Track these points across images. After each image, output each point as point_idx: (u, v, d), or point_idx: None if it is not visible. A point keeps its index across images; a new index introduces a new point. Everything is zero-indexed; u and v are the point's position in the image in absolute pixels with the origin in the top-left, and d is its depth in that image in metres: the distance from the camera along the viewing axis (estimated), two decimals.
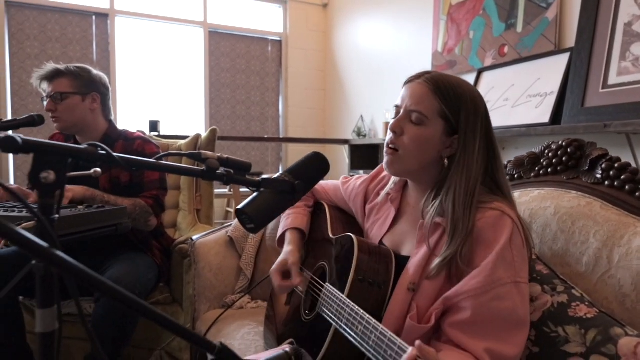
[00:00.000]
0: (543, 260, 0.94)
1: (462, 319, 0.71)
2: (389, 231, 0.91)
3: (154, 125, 3.10)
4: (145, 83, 3.96)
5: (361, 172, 3.27)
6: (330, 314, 0.80)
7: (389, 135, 0.84)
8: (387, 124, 3.36)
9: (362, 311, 0.72)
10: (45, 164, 0.56)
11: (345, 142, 3.74)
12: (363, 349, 0.70)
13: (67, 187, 1.39)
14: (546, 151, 1.12)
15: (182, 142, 2.29)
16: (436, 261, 0.76)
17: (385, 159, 0.86)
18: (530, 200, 1.07)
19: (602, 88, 1.85)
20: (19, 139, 0.54)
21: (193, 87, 4.15)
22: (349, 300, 0.76)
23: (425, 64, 3.11)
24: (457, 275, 0.75)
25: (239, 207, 0.72)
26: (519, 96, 2.30)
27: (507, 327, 0.71)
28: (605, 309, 0.83)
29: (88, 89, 1.58)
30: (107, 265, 1.51)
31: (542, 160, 1.13)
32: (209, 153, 0.68)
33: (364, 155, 3.60)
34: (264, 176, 0.74)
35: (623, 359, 0.72)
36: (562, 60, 2.11)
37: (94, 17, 3.74)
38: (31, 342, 1.51)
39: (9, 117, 3.48)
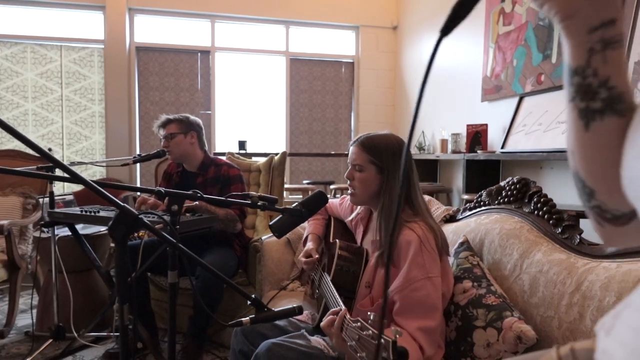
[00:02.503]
0: (482, 266, 1.34)
1: (396, 309, 1.14)
2: (363, 239, 1.38)
3: (242, 145, 3.81)
4: (237, 106, 4.75)
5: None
6: (324, 292, 1.30)
7: (348, 181, 1.31)
8: (443, 140, 3.70)
9: (334, 290, 1.20)
10: (172, 201, 1.16)
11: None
12: (329, 307, 1.18)
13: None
14: (506, 185, 1.49)
15: (261, 161, 2.92)
16: (376, 264, 1.22)
17: (349, 195, 1.34)
18: (488, 221, 1.46)
19: None
20: (162, 190, 1.14)
21: (276, 108, 4.85)
22: (332, 283, 1.25)
23: (476, 87, 3.40)
24: (395, 274, 1.19)
25: (270, 223, 1.25)
26: (550, 122, 2.54)
27: (426, 308, 1.13)
28: (511, 300, 1.21)
29: (188, 129, 2.26)
30: (202, 255, 2.16)
31: (503, 192, 1.50)
32: (253, 194, 1.23)
33: (424, 169, 3.96)
34: (293, 206, 1.24)
35: (503, 331, 1.12)
36: None
37: (199, 54, 4.61)
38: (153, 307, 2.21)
39: (138, 137, 4.48)
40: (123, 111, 4.36)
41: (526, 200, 1.39)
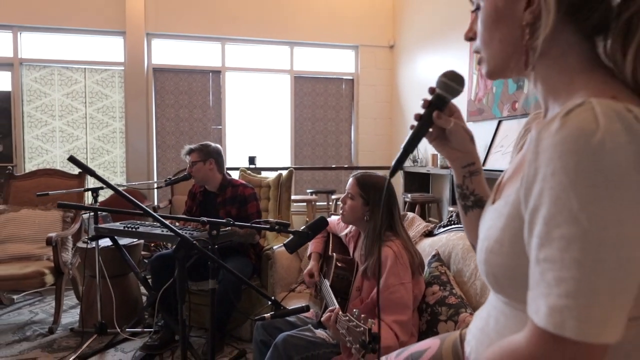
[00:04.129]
0: (448, 273, 1.72)
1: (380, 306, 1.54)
2: (354, 253, 1.77)
3: (252, 160, 4.20)
4: (246, 121, 5.15)
5: (409, 196, 4.03)
6: (323, 295, 1.69)
7: (341, 204, 1.70)
8: (434, 155, 4.08)
9: (331, 293, 1.59)
10: (212, 227, 1.55)
11: (401, 168, 4.51)
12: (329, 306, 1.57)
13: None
14: None
15: (271, 177, 3.31)
16: (364, 273, 1.61)
17: (340, 214, 1.73)
18: (455, 238, 1.84)
19: None
20: (205, 220, 1.53)
21: (282, 122, 5.25)
22: (330, 287, 1.63)
23: (462, 108, 3.78)
24: (375, 284, 1.58)
25: (284, 243, 1.64)
26: None
27: (400, 306, 1.51)
28: (467, 301, 1.60)
29: (206, 157, 2.64)
30: (229, 258, 2.55)
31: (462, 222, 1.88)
32: (271, 220, 1.62)
33: (416, 181, 4.35)
34: (302, 228, 1.63)
35: (459, 323, 1.50)
36: None
37: (210, 74, 5.01)
38: None
39: (155, 150, 4.89)
40: (142, 127, 4.77)
41: None
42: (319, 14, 5.07)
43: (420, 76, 4.77)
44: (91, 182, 4.20)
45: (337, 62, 5.37)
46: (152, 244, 3.33)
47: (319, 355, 1.52)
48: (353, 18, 5.17)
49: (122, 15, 4.55)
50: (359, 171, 1.74)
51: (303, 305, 1.55)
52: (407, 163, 4.57)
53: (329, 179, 5.39)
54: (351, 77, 5.39)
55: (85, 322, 2.78)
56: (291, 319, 1.78)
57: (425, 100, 0.80)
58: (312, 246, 2.02)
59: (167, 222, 1.36)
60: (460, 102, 3.81)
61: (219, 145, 2.74)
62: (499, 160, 3.13)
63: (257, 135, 5.18)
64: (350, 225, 1.83)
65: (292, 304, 2.25)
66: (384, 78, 5.40)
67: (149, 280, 2.56)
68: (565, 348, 0.48)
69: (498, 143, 3.22)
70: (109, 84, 4.78)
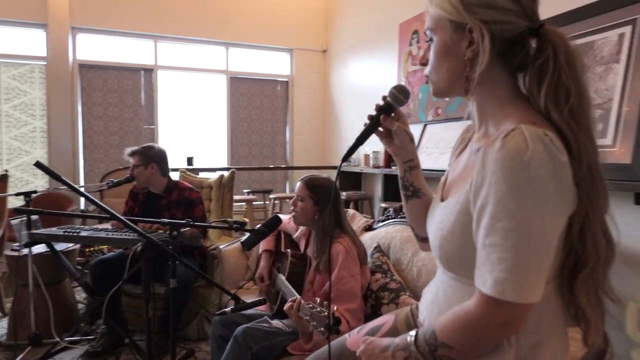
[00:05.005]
0: (388, 262, 1.94)
1: (332, 297, 1.70)
2: (306, 250, 1.93)
3: (190, 160, 4.18)
4: (181, 121, 5.08)
5: (344, 194, 4.26)
6: (280, 288, 1.82)
7: (292, 206, 1.85)
8: (366, 155, 4.36)
9: (289, 286, 1.73)
10: (173, 228, 1.61)
11: (334, 167, 4.75)
12: (285, 298, 1.70)
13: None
14: None
15: (212, 178, 3.35)
16: (316, 268, 1.77)
17: (292, 215, 1.88)
18: (393, 231, 2.07)
19: None
20: (166, 221, 1.59)
21: (218, 122, 5.24)
22: (286, 281, 1.77)
23: None
24: (327, 277, 1.75)
25: (242, 241, 1.75)
26: (444, 146, 3.27)
27: (350, 296, 1.68)
28: (406, 285, 1.82)
29: (148, 161, 2.62)
30: (168, 264, 2.56)
31: (402, 210, 2.12)
32: (229, 219, 1.72)
33: (350, 180, 4.60)
34: (257, 227, 1.74)
35: (399, 305, 1.72)
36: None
37: (142, 72, 4.87)
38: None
39: (81, 150, 4.64)
40: (66, 126, 4.50)
41: None
42: (255, 16, 5.14)
43: (351, 80, 5.04)
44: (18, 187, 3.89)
45: (273, 64, 5.48)
46: (87, 250, 3.21)
47: (276, 344, 1.65)
48: (288, 22, 5.31)
49: (43, 7, 4.27)
50: (306, 175, 1.89)
51: (260, 298, 1.67)
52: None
53: (266, 178, 5.48)
54: (286, 80, 5.53)
55: (16, 335, 2.63)
56: (247, 312, 1.89)
57: (377, 105, 0.97)
58: (263, 244, 2.13)
59: (129, 224, 1.41)
60: None
61: (163, 148, 2.73)
62: (425, 160, 3.46)
63: (193, 136, 5.13)
64: (300, 228, 1.98)
65: (243, 299, 2.35)
66: (318, 81, 5.61)
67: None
68: (505, 309, 0.68)
69: (424, 144, 3.55)
70: (27, 80, 4.45)
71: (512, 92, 0.81)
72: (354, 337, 1.13)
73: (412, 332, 0.85)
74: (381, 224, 2.25)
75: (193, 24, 4.90)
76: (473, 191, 0.73)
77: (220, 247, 2.65)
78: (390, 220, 2.19)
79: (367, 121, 0.99)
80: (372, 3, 4.56)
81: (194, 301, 2.67)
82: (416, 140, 3.66)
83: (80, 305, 2.99)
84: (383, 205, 3.53)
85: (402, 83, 3.92)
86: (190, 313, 2.67)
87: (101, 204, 1.32)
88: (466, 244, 0.77)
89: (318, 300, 1.41)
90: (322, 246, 1.74)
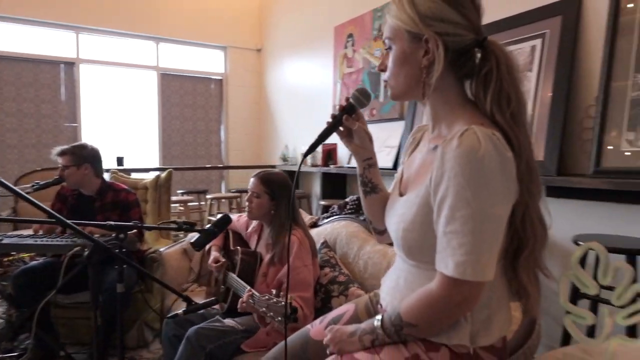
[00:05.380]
0: (335, 257, 2.02)
1: (284, 287, 1.75)
2: (258, 245, 1.95)
3: (120, 160, 3.96)
4: (108, 119, 4.78)
5: None
6: (231, 285, 1.82)
7: (247, 202, 1.87)
8: (302, 154, 4.43)
9: (242, 281, 1.74)
10: (120, 231, 1.55)
11: (272, 166, 4.77)
12: (240, 295, 1.72)
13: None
14: (350, 201, 2.21)
15: (147, 180, 3.21)
16: (270, 260, 1.81)
17: (246, 211, 1.89)
18: (339, 226, 2.15)
19: None
20: (112, 224, 1.52)
21: (148, 121, 5.01)
22: (238, 277, 1.78)
23: (329, 111, 4.21)
24: (280, 268, 1.79)
25: (191, 241, 1.72)
26: (379, 146, 3.44)
27: (304, 285, 1.74)
28: (353, 277, 1.91)
29: (81, 162, 2.46)
30: (106, 271, 2.43)
31: (347, 205, 2.22)
32: (178, 220, 1.69)
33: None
34: (204, 227, 1.73)
35: (349, 296, 1.80)
36: (401, 125, 3.26)
37: (62, 65, 4.51)
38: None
39: None
40: None
41: (361, 212, 2.12)
42: (187, 11, 4.98)
43: (287, 80, 5.08)
44: None
45: (206, 61, 5.35)
46: (6, 259, 2.92)
47: (230, 342, 1.66)
48: (222, 19, 5.22)
49: None
50: (259, 171, 1.91)
51: (212, 299, 1.66)
52: (279, 162, 4.85)
53: (200, 178, 5.35)
54: (220, 78, 5.43)
55: None
56: (199, 312, 1.86)
57: (340, 106, 1.04)
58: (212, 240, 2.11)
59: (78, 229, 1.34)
60: (327, 104, 4.24)
61: (96, 147, 2.58)
62: None
63: (121, 135, 4.85)
64: (252, 222, 1.99)
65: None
66: (253, 80, 5.57)
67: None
68: (464, 288, 0.77)
69: None
70: None
71: (461, 97, 0.92)
72: (317, 328, 1.18)
73: (379, 317, 0.93)
74: (326, 220, 2.32)
75: (119, 16, 4.64)
76: (433, 185, 0.82)
77: (161, 250, 2.56)
78: (335, 217, 2.27)
79: (330, 120, 1.04)
80: (307, 5, 4.64)
81: (132, 307, 2.55)
82: None
83: None
84: (322, 203, 3.62)
85: (338, 84, 4.05)
86: (129, 320, 2.55)
87: (44, 206, 1.24)
88: (427, 233, 0.85)
89: (274, 291, 1.45)
90: (278, 239, 1.77)
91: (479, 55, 0.89)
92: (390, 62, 0.94)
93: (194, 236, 2.70)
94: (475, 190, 0.76)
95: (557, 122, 2.20)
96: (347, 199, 2.24)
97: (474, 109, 0.89)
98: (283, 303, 1.36)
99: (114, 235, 1.57)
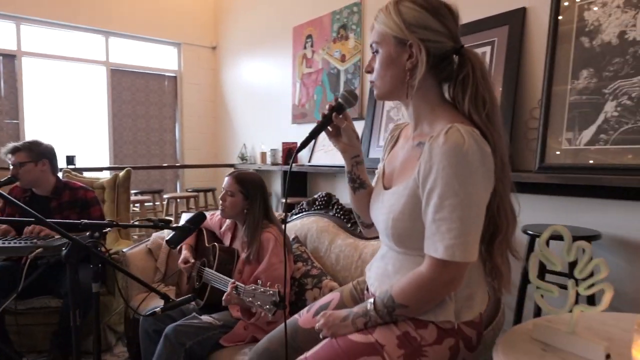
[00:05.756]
0: (307, 251, 2.09)
1: (261, 283, 1.78)
2: (233, 242, 1.98)
3: (70, 160, 3.77)
4: (53, 117, 4.52)
5: None
6: (207, 280, 1.83)
7: (221, 201, 1.89)
8: (263, 153, 4.45)
9: (222, 275, 1.76)
10: (95, 230, 1.52)
11: (231, 165, 4.75)
12: (222, 288, 1.74)
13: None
14: (318, 197, 2.29)
15: (103, 179, 3.10)
16: (246, 257, 1.84)
17: (220, 210, 1.91)
18: (309, 222, 2.22)
19: (377, 146, 3.16)
20: (86, 222, 1.49)
21: (97, 118, 4.79)
22: (217, 272, 1.80)
23: (288, 111, 4.26)
24: (257, 266, 1.83)
25: (167, 239, 1.71)
26: None
27: (280, 280, 1.79)
28: (326, 270, 1.99)
29: (39, 157, 2.36)
30: (66, 273, 2.34)
31: (316, 202, 2.29)
32: (153, 218, 1.67)
33: None
34: (179, 224, 1.73)
35: (322, 288, 1.88)
36: (361, 124, 3.39)
37: (0, 58, 4.21)
38: None
39: None
40: None
41: (330, 207, 2.20)
42: (138, 5, 4.82)
43: (244, 79, 5.06)
44: None
45: (159, 58, 5.20)
46: None
47: (208, 338, 1.68)
48: (175, 15, 5.10)
49: None
50: (233, 170, 1.93)
51: (189, 295, 1.67)
52: (237, 161, 4.83)
53: (153, 178, 5.20)
54: (174, 75, 5.30)
55: None
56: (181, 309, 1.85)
57: (329, 105, 1.10)
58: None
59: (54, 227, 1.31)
60: (286, 104, 4.29)
61: (50, 144, 2.47)
62: (322, 157, 3.70)
63: (69, 132, 4.60)
64: (226, 221, 2.01)
65: (156, 302, 2.26)
66: (208, 78, 5.49)
67: None
68: (452, 268, 0.87)
69: (320, 143, 3.79)
70: None
71: (440, 98, 1.02)
72: (305, 317, 1.24)
73: (371, 300, 1.01)
74: (295, 217, 2.38)
75: (65, 7, 4.40)
76: (421, 178, 0.91)
77: (124, 250, 2.50)
78: (304, 213, 2.34)
79: (320, 118, 1.10)
80: (264, 4, 4.66)
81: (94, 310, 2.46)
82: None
83: None
84: (283, 201, 3.67)
85: (297, 84, 4.11)
86: (90, 323, 2.45)
87: (22, 205, 1.20)
88: (415, 222, 0.94)
89: (260, 281, 1.50)
90: (253, 237, 1.81)
91: (456, 61, 0.99)
92: (377, 65, 1.03)
93: (156, 236, 2.66)
94: (461, 181, 0.86)
95: (505, 123, 2.41)
96: (315, 196, 2.31)
97: (452, 109, 1.00)
98: (271, 292, 1.40)
99: (87, 234, 1.54)
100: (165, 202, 4.35)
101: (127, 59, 4.95)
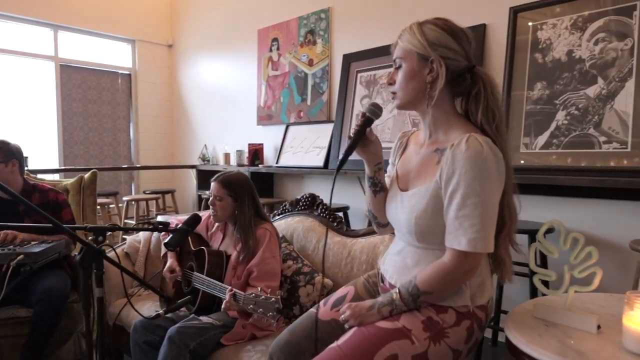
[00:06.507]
0: (295, 250, 2.17)
1: (254, 276, 1.83)
2: (222, 242, 2.01)
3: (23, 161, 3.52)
4: None
5: (207, 192, 4.26)
6: (199, 285, 1.85)
7: (211, 206, 1.92)
8: (226, 154, 4.44)
9: (215, 281, 1.80)
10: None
11: (193, 167, 4.68)
12: (215, 294, 1.77)
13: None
14: (302, 197, 2.38)
15: (67, 182, 2.96)
16: (240, 257, 1.89)
17: (212, 215, 1.94)
18: (294, 222, 2.30)
19: None
20: (89, 226, 1.48)
21: (45, 117, 4.51)
22: (207, 277, 1.82)
23: (253, 113, 4.29)
24: (251, 258, 1.88)
25: (165, 241, 1.72)
26: (309, 146, 3.65)
27: (272, 275, 1.85)
28: (316, 268, 2.09)
29: (9, 158, 2.25)
30: (37, 280, 2.23)
31: (300, 202, 2.38)
32: (153, 220, 1.68)
33: (209, 178, 4.57)
34: (179, 226, 1.74)
35: (315, 284, 1.97)
36: (330, 127, 3.51)
37: None
38: None
39: None
40: None
41: (315, 207, 2.30)
42: None
43: (205, 79, 5.00)
44: None
45: (113, 54, 4.99)
46: None
47: (210, 338, 1.71)
48: (129, 10, 4.92)
49: None
50: (217, 174, 1.97)
51: (187, 297, 1.69)
52: (198, 162, 4.77)
53: (106, 179, 4.98)
54: (128, 72, 5.11)
55: None
56: (168, 316, 1.85)
57: (360, 120, 1.20)
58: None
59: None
60: (251, 106, 4.31)
61: (17, 143, 2.34)
62: (290, 158, 3.78)
63: (15, 132, 4.29)
64: (216, 223, 2.04)
65: (139, 307, 2.23)
66: (164, 76, 5.35)
67: None
68: (471, 258, 1.01)
69: (288, 144, 3.87)
70: None
71: (454, 110, 1.16)
72: (323, 309, 1.33)
73: (395, 290, 1.13)
74: (278, 217, 2.45)
75: None
76: (444, 180, 1.05)
77: None
78: (288, 213, 2.42)
79: (351, 134, 1.20)
80: (224, 5, 4.63)
81: (68, 319, 2.37)
82: (280, 140, 3.95)
83: None
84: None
85: (263, 86, 4.15)
86: (65, 332, 2.36)
87: (39, 209, 1.18)
88: (437, 220, 1.08)
89: (260, 288, 1.56)
90: (246, 236, 1.85)
91: (469, 78, 1.14)
92: (400, 77, 1.15)
93: (132, 239, 2.61)
94: (481, 183, 1.00)
95: None
96: (298, 197, 2.40)
97: (465, 120, 1.14)
98: (273, 299, 1.47)
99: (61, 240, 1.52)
100: (124, 205, 4.20)
101: (78, 55, 4.70)
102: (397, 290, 1.12)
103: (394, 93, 1.19)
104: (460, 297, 1.09)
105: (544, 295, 1.14)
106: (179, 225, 1.79)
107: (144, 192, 4.71)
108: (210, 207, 1.93)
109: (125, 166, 4.92)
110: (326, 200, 2.32)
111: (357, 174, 3.11)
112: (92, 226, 1.50)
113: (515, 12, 2.55)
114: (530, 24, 2.50)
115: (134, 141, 5.17)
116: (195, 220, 1.83)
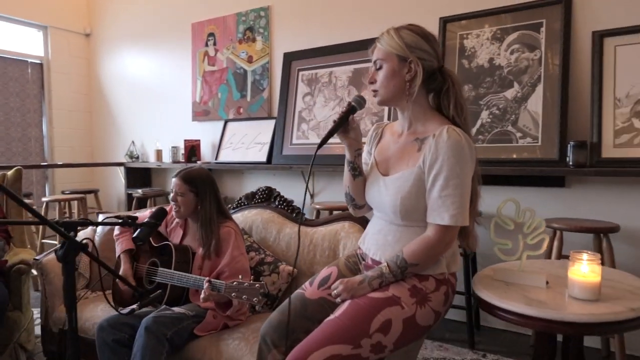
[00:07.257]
0: (255, 241, 2.23)
1: (226, 276, 1.85)
2: (184, 239, 2.00)
3: None
4: None
5: (139, 191, 4.07)
6: (166, 279, 1.83)
7: (173, 203, 1.92)
8: (158, 151, 4.27)
9: (187, 274, 1.80)
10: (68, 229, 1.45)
11: (121, 164, 4.42)
12: (189, 287, 1.78)
13: None
14: (258, 192, 2.44)
15: None
16: (205, 253, 1.91)
17: (174, 212, 1.94)
18: (251, 215, 2.35)
19: (290, 144, 3.41)
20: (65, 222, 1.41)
21: None
22: (176, 271, 1.82)
23: (188, 109, 4.19)
24: (219, 260, 1.91)
25: (134, 235, 1.69)
26: (250, 142, 3.69)
27: (243, 272, 1.88)
28: (277, 257, 2.17)
29: None
30: None
31: (256, 196, 2.44)
32: (123, 214, 1.64)
33: (138, 176, 4.39)
34: (146, 220, 1.72)
35: (280, 273, 2.06)
36: (271, 123, 3.59)
37: None
38: None
39: None
40: None
41: (272, 200, 2.38)
42: None
43: (130, 72, 4.74)
44: None
45: (21, 41, 4.51)
46: None
47: (184, 328, 1.72)
48: None
49: None
50: (179, 170, 1.95)
51: (159, 291, 1.69)
52: (125, 160, 4.52)
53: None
54: (40, 62, 4.66)
55: None
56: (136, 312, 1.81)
57: (346, 108, 1.33)
58: (121, 245, 2.02)
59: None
60: (185, 102, 4.21)
61: None
62: (230, 154, 3.77)
63: None
64: (175, 219, 2.02)
65: (90, 309, 2.11)
66: (80, 68, 4.97)
67: None
68: (451, 231, 1.20)
69: (227, 140, 3.86)
70: None
71: (428, 105, 1.34)
72: (310, 289, 1.44)
73: (384, 264, 1.27)
74: (234, 210, 2.49)
75: None
76: (428, 165, 1.22)
77: (37, 258, 2.25)
78: (244, 206, 2.46)
79: (335, 120, 1.32)
80: None
81: (5, 329, 2.16)
82: (218, 136, 3.92)
83: None
84: None
85: (198, 81, 4.09)
86: (1, 343, 2.16)
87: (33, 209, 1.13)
88: (420, 200, 1.25)
89: (241, 277, 1.62)
90: (209, 233, 1.86)
91: (440, 76, 1.33)
92: (381, 77, 1.30)
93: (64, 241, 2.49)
94: (461, 167, 1.19)
95: None
96: (253, 190, 2.45)
97: (438, 113, 1.33)
98: (257, 285, 1.54)
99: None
100: (42, 206, 3.84)
101: None
102: (386, 264, 1.27)
103: (375, 91, 1.33)
104: (438, 266, 1.28)
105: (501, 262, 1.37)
106: (147, 220, 1.78)
107: (63, 193, 4.35)
108: (172, 203, 1.92)
109: (47, 163, 4.48)
110: (283, 193, 2.41)
111: (302, 168, 3.23)
112: (64, 220, 1.44)
113: (445, 22, 2.86)
114: (458, 33, 2.83)
115: (47, 137, 4.73)
116: (161, 213, 1.82)
